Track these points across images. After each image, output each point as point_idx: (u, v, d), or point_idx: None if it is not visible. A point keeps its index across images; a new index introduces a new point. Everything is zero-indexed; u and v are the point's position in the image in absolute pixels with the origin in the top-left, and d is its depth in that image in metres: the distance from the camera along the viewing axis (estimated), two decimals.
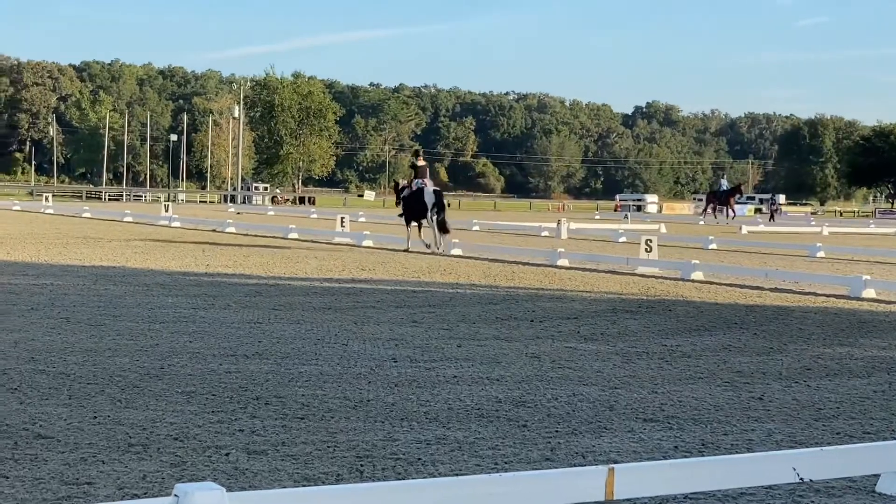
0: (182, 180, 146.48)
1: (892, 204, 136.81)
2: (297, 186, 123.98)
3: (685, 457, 6.86)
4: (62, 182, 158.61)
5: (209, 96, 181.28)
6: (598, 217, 74.01)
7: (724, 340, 12.49)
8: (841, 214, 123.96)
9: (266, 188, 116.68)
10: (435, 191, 27.91)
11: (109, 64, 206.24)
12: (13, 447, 6.64)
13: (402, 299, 16.01)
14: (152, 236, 32.44)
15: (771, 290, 19.15)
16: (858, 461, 5.87)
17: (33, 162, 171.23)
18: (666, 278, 21.26)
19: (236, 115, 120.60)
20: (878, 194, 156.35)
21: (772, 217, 72.79)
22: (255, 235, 34.89)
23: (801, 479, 5.53)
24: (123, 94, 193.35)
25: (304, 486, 5.89)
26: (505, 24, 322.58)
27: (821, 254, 30.48)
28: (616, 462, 6.51)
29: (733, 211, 64.75)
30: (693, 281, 20.76)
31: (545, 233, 41.12)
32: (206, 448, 6.75)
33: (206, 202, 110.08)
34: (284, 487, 5.72)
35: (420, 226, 28.21)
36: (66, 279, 17.73)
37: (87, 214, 50.93)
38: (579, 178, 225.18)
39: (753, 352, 11.64)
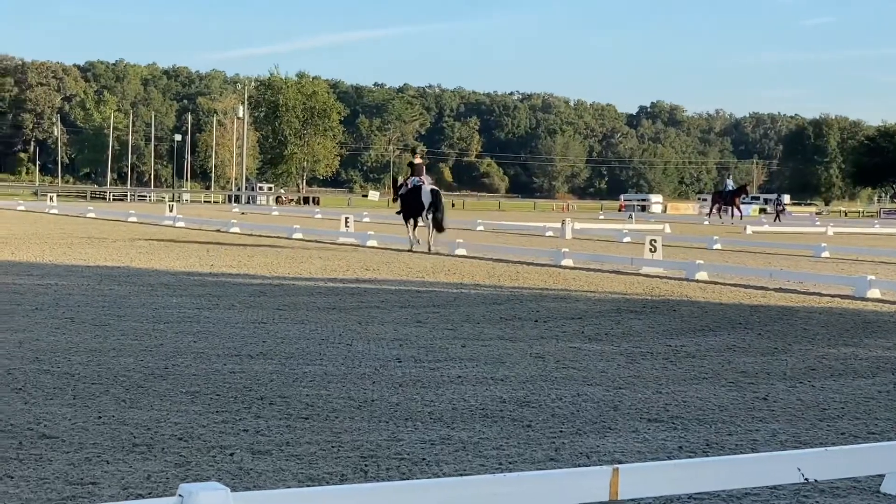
0: (186, 180, 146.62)
1: None
2: (301, 186, 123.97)
3: (690, 457, 6.86)
4: (66, 182, 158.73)
5: (213, 96, 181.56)
6: (602, 217, 74.03)
7: (729, 340, 12.48)
8: (846, 214, 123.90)
9: (270, 188, 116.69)
10: (432, 190, 27.94)
11: (114, 64, 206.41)
12: (18, 447, 6.65)
13: (407, 299, 16.01)
14: (157, 236, 32.46)
15: (775, 290, 19.13)
16: (863, 461, 5.86)
17: (38, 162, 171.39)
18: (670, 278, 21.25)
19: (240, 115, 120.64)
20: (883, 194, 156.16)
21: (777, 217, 72.77)
22: (260, 235, 34.90)
23: (806, 479, 5.52)
24: (128, 95, 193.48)
25: (308, 486, 5.89)
26: (509, 24, 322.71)
27: (825, 254, 30.46)
28: (620, 462, 6.51)
29: (739, 211, 64.72)
30: (697, 281, 20.75)
31: (549, 233, 41.11)
32: (210, 448, 6.76)
33: (210, 202, 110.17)
34: (289, 487, 5.72)
35: (416, 223, 28.31)
36: (70, 279, 17.74)
37: (92, 214, 50.96)
38: (584, 179, 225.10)
39: (758, 352, 11.63)
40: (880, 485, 6.23)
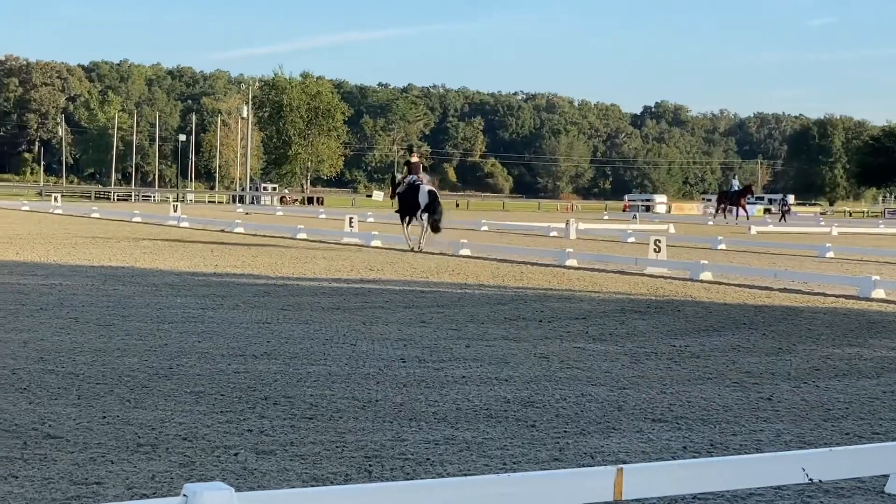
0: (191, 180, 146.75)
1: None
2: (305, 187, 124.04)
3: (694, 457, 6.85)
4: (71, 182, 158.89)
5: (218, 96, 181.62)
6: (606, 217, 74.00)
7: (733, 341, 12.47)
8: (850, 215, 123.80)
9: (274, 188, 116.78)
10: (430, 191, 27.94)
11: (118, 64, 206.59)
12: (22, 447, 6.65)
13: (411, 299, 16.01)
14: (161, 236, 32.48)
15: (780, 290, 19.12)
16: (868, 462, 5.86)
17: (42, 162, 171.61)
18: (675, 279, 21.24)
19: (245, 115, 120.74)
20: (888, 194, 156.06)
21: (783, 217, 72.75)
22: (264, 236, 34.92)
23: (811, 479, 5.52)
24: (132, 95, 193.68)
25: (312, 486, 5.89)
26: (513, 24, 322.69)
27: (830, 254, 30.44)
28: (625, 462, 6.50)
29: (745, 211, 64.68)
30: (702, 281, 20.74)
31: (554, 233, 41.09)
32: (214, 448, 6.76)
33: (214, 202, 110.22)
34: (293, 487, 5.72)
35: (410, 221, 28.50)
36: (75, 279, 17.76)
37: (96, 215, 51.00)
38: (588, 179, 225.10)
39: (762, 352, 11.63)
40: (885, 485, 6.23)
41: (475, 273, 21.10)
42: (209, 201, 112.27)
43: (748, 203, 69.80)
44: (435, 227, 27.60)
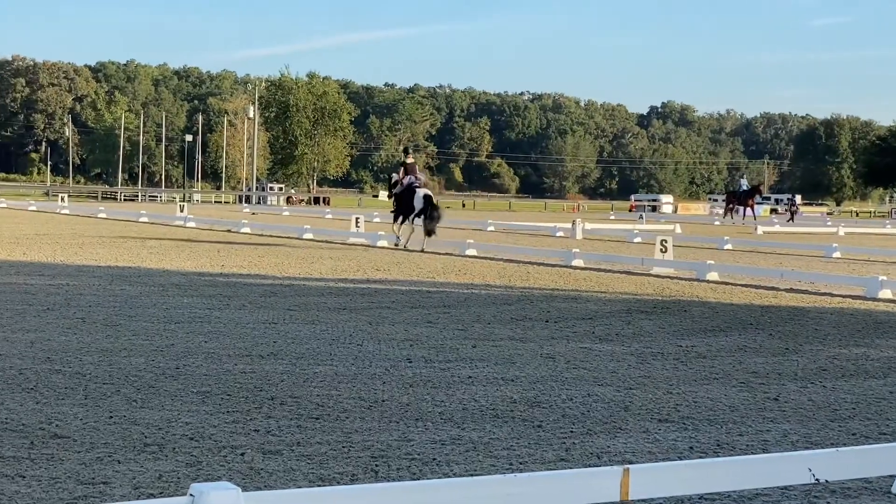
0: (197, 180, 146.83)
1: None
2: (311, 187, 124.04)
3: (700, 457, 6.85)
4: (78, 182, 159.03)
5: (224, 97, 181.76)
6: (613, 217, 73.96)
7: (740, 341, 12.47)
8: (857, 215, 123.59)
9: (281, 188, 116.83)
10: (425, 195, 28.16)
11: (125, 64, 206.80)
12: (29, 447, 6.66)
13: (417, 300, 16.02)
14: (168, 236, 32.52)
15: (786, 290, 19.10)
16: (874, 462, 5.85)
17: (49, 162, 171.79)
18: (681, 279, 21.23)
19: (251, 115, 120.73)
20: (895, 194, 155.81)
21: (791, 217, 72.75)
22: (270, 236, 34.94)
23: (817, 479, 5.51)
24: (139, 95, 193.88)
25: (319, 486, 5.90)
26: (519, 24, 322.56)
27: (837, 254, 30.40)
28: (631, 463, 6.51)
29: (753, 211, 64.64)
30: (708, 281, 20.72)
31: (560, 233, 41.09)
32: (221, 448, 6.77)
33: (221, 202, 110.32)
34: (299, 487, 5.73)
35: (403, 222, 28.77)
36: (81, 279, 17.78)
37: (103, 215, 51.06)
38: (594, 179, 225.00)
39: (769, 352, 11.62)
40: (891, 485, 6.23)
41: (481, 273, 21.10)
42: (216, 201, 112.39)
43: (756, 203, 69.72)
44: (428, 233, 27.82)
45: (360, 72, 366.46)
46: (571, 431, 7.56)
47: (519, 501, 4.72)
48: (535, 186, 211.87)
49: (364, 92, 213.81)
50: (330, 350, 10.86)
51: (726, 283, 20.24)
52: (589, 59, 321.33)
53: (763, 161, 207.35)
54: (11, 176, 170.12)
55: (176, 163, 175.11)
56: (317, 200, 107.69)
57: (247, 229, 37.65)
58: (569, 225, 42.01)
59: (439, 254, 26.94)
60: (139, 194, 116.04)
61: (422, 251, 27.47)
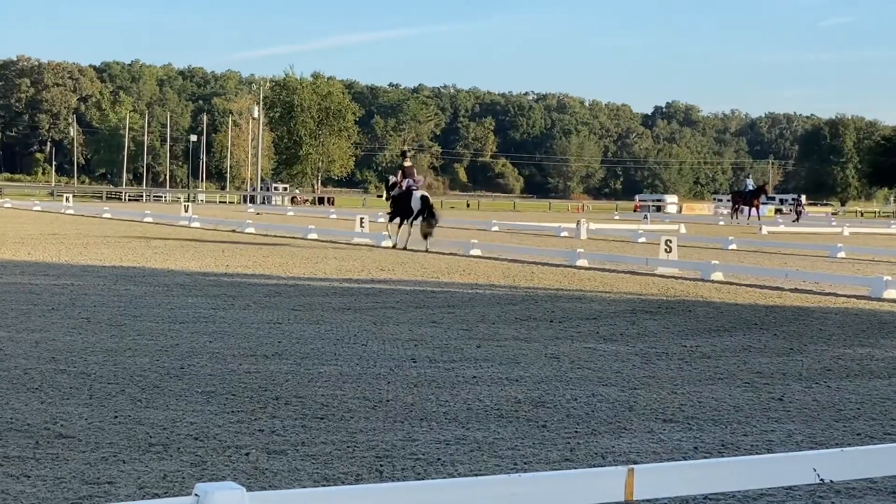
0: (202, 181, 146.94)
1: None
2: (316, 187, 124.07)
3: (705, 457, 6.85)
4: (82, 182, 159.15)
5: (229, 97, 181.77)
6: (617, 217, 73.94)
7: (744, 341, 12.46)
8: (862, 215, 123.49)
9: (285, 188, 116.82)
10: (422, 197, 28.57)
11: (129, 65, 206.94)
12: (34, 446, 6.67)
13: (422, 300, 16.02)
14: (172, 236, 32.54)
15: (791, 290, 19.09)
16: (879, 462, 5.84)
17: (54, 162, 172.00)
18: (685, 279, 21.22)
19: (255, 115, 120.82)
20: None
21: (798, 217, 72.75)
22: (275, 236, 34.96)
23: (822, 480, 5.51)
24: (143, 95, 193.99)
25: (323, 485, 5.90)
26: (524, 24, 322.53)
27: (841, 254, 30.38)
28: (636, 463, 6.51)
29: (758, 211, 64.61)
30: (713, 281, 20.71)
31: (564, 233, 41.08)
32: (226, 448, 6.77)
33: (225, 202, 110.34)
34: (304, 487, 5.73)
35: (401, 223, 29.10)
36: (86, 279, 17.80)
37: (108, 215, 51.10)
38: (598, 179, 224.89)
39: (773, 352, 11.61)
40: None
41: (486, 273, 21.10)
42: (220, 201, 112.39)
43: (762, 203, 69.69)
44: (425, 235, 28.05)
45: (364, 72, 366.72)
46: (576, 431, 7.56)
47: (523, 501, 4.72)
48: (539, 186, 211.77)
49: (368, 92, 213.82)
50: (334, 350, 10.86)
51: (731, 284, 20.23)
52: (593, 59, 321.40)
53: (768, 161, 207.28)
54: (16, 176, 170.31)
55: (180, 163, 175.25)
56: (321, 200, 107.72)
57: (251, 229, 37.67)
58: (573, 225, 42.00)
59: (444, 254, 26.94)
60: (144, 194, 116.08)
61: (426, 251, 27.52)
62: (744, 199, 65.06)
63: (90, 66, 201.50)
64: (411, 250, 28.02)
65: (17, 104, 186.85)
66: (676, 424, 7.89)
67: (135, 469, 6.22)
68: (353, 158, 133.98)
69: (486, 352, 11.05)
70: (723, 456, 6.93)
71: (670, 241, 23.93)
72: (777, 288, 19.44)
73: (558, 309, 15.22)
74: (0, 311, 13.18)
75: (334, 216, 58.17)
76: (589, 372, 10.02)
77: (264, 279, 18.73)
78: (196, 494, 4.06)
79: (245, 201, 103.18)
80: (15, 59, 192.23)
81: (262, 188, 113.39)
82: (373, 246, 30.03)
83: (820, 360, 11.19)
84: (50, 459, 6.38)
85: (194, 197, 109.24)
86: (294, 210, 73.36)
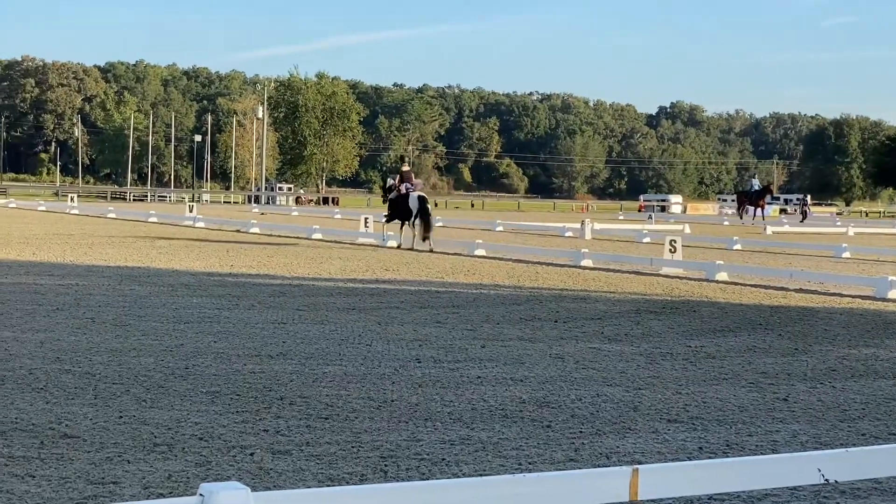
0: (206, 181, 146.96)
1: None
2: (320, 187, 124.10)
3: (710, 458, 6.84)
4: (87, 183, 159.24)
5: (233, 97, 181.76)
6: (621, 217, 73.87)
7: (749, 341, 12.45)
8: (866, 215, 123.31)
9: (290, 188, 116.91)
10: (419, 196, 28.82)
11: (134, 65, 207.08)
12: (39, 446, 6.68)
13: (426, 300, 16.02)
14: (177, 236, 32.56)
15: (796, 290, 19.08)
16: (884, 462, 5.84)
17: (58, 162, 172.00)
18: (690, 279, 21.21)
19: (260, 115, 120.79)
20: None
21: (804, 217, 72.74)
22: (279, 236, 34.97)
23: (827, 480, 5.50)
24: (148, 95, 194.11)
25: (328, 486, 5.90)
26: (528, 24, 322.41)
27: (846, 254, 30.35)
28: (640, 463, 6.51)
29: (763, 211, 64.59)
30: (717, 282, 20.70)
31: (569, 233, 41.06)
32: (230, 448, 6.78)
33: (230, 202, 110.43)
34: (309, 487, 5.73)
35: (402, 225, 29.52)
36: (91, 279, 17.81)
37: (112, 215, 51.15)
38: (603, 179, 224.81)
39: (778, 353, 11.60)
40: None
41: (490, 273, 21.10)
42: (225, 201, 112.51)
43: (767, 203, 69.66)
44: (424, 238, 28.31)
45: (368, 72, 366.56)
46: (581, 431, 7.56)
47: (528, 501, 4.72)
48: (543, 186, 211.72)
49: (373, 92, 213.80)
50: (339, 350, 10.87)
51: (735, 284, 20.22)
52: (598, 59, 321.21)
53: (772, 161, 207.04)
54: (21, 176, 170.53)
55: (185, 163, 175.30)
56: (326, 201, 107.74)
57: (256, 229, 37.68)
58: (578, 225, 41.98)
59: (448, 254, 26.95)
60: (148, 194, 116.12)
61: (430, 251, 27.53)
62: (749, 199, 65.04)
63: (95, 66, 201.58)
64: (416, 251, 28.04)
65: (21, 104, 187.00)
66: (681, 424, 7.89)
67: (139, 469, 6.22)
68: (358, 158, 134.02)
69: (491, 352, 11.05)
70: (727, 456, 6.92)
71: (675, 242, 23.92)
72: (782, 288, 19.43)
73: (563, 309, 15.22)
74: (5, 311, 13.19)
75: (339, 216, 58.17)
76: (593, 372, 10.02)
77: (269, 279, 18.74)
78: (201, 494, 4.06)
79: (249, 201, 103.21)
80: (20, 59, 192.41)
81: (266, 188, 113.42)
82: (377, 246, 30.03)
83: (825, 360, 11.19)
84: (55, 459, 6.39)
85: (199, 197, 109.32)
86: (298, 210, 73.37)
